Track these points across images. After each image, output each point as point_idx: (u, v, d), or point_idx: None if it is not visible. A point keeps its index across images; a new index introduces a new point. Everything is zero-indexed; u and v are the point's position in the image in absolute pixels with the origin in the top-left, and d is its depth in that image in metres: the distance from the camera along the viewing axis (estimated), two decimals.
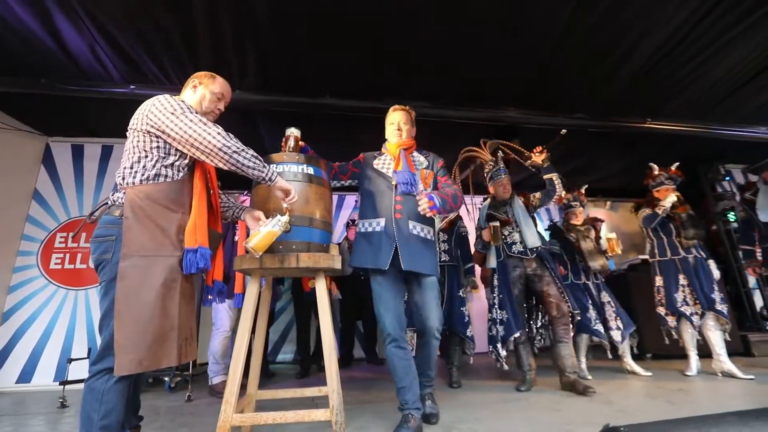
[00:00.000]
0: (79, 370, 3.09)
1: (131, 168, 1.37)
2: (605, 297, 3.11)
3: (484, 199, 3.13)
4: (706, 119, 3.77)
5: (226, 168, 1.40)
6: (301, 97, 3.10)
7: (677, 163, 3.11)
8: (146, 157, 1.37)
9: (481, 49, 2.75)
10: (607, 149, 4.46)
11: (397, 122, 2.05)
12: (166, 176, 1.40)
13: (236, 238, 2.94)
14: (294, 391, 1.98)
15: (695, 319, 2.80)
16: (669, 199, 2.90)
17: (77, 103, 3.22)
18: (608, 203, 6.11)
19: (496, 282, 2.78)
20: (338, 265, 1.74)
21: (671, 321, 2.91)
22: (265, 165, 1.45)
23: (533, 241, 2.70)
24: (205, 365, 4.09)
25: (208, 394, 2.83)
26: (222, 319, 2.90)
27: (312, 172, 1.79)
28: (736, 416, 0.74)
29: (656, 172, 3.11)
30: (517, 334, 2.59)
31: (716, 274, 2.92)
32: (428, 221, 1.96)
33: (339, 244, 4.25)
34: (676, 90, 3.32)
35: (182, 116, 1.34)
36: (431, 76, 3.03)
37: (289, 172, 1.75)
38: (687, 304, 2.84)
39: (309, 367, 3.75)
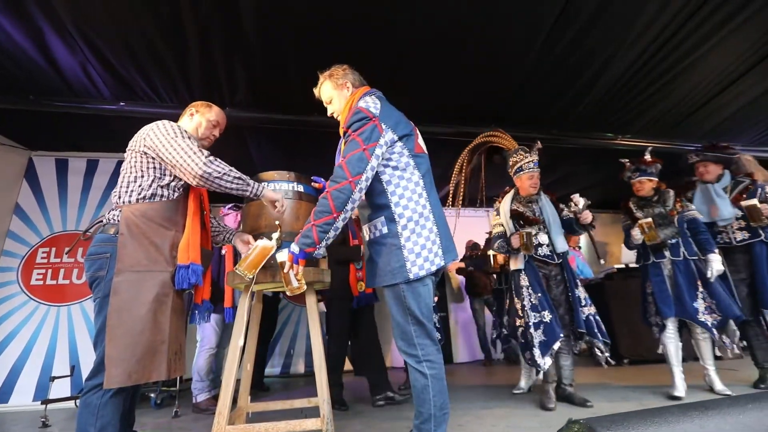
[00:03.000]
0: (62, 388, 3.04)
1: (127, 187, 1.42)
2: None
3: (502, 194, 2.87)
4: (671, 136, 4.03)
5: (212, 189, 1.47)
6: (289, 115, 3.19)
7: (650, 148, 2.90)
8: (143, 176, 1.43)
9: (461, 70, 2.91)
10: (582, 164, 4.68)
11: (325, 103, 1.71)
12: (161, 196, 1.46)
13: (223, 251, 2.97)
14: (283, 402, 2.02)
15: (657, 330, 2.57)
16: (634, 232, 2.60)
17: (63, 118, 3.22)
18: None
19: (523, 283, 2.52)
20: (328, 279, 1.82)
21: (654, 332, 2.65)
22: (249, 183, 1.49)
23: (562, 245, 2.52)
24: (191, 381, 4.05)
25: (192, 411, 2.81)
26: (208, 335, 2.90)
27: (302, 189, 1.88)
28: (698, 408, 0.84)
29: (626, 167, 2.84)
30: (562, 336, 2.34)
31: (716, 269, 2.46)
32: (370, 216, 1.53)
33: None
34: (643, 109, 3.56)
35: (173, 140, 1.42)
36: (415, 95, 3.17)
37: (280, 190, 1.83)
38: (659, 315, 2.57)
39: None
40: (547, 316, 2.37)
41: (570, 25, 2.52)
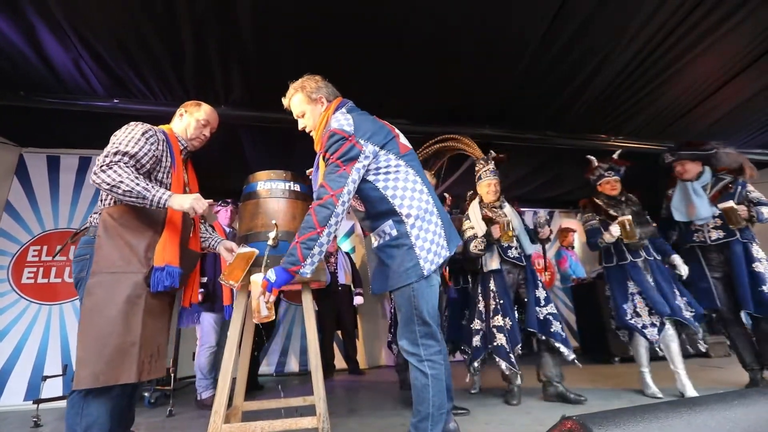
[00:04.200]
0: (54, 388, 3.02)
1: None
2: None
3: (470, 197, 2.98)
4: (664, 137, 4.09)
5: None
6: (285, 114, 3.17)
7: (619, 151, 2.90)
8: None
9: (456, 71, 2.92)
10: (574, 164, 4.72)
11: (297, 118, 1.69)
12: None
13: None
14: (279, 401, 2.03)
15: (649, 332, 2.43)
16: (614, 229, 2.55)
17: (54, 115, 3.18)
18: (578, 214, 6.42)
19: (493, 287, 2.60)
20: (324, 278, 1.83)
21: (622, 335, 2.68)
22: (145, 197, 1.34)
23: (529, 247, 2.64)
24: (185, 379, 4.04)
25: (196, 408, 2.84)
26: (208, 333, 2.91)
27: (299, 189, 1.89)
28: (686, 404, 0.86)
29: (595, 165, 2.84)
30: (519, 344, 2.46)
31: (683, 270, 2.61)
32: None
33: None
34: (636, 110, 3.60)
35: (111, 147, 1.37)
36: (411, 95, 3.18)
37: (277, 189, 1.83)
38: (638, 316, 2.50)
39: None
40: (508, 322, 2.49)
41: (564, 27, 2.54)
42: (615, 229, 2.54)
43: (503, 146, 3.81)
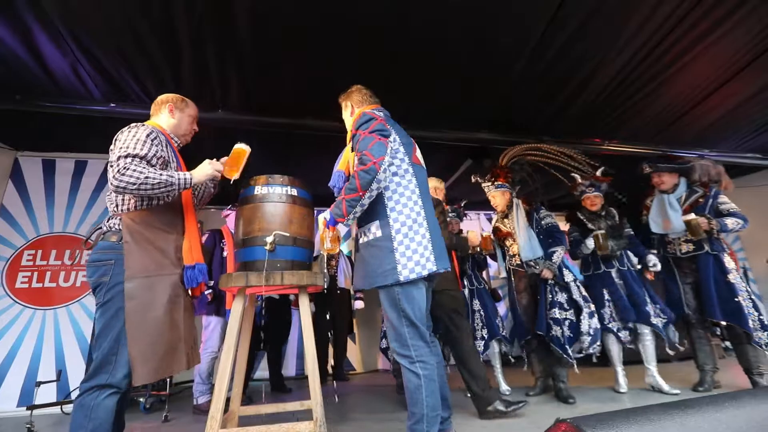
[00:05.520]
0: (48, 394, 2.99)
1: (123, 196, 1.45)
2: (476, 305, 3.06)
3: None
4: (657, 142, 4.13)
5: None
6: (282, 118, 3.20)
7: (602, 168, 3.08)
8: None
9: (453, 77, 2.95)
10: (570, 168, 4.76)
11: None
12: (158, 200, 1.50)
13: (224, 254, 2.97)
14: (276, 405, 2.02)
15: (623, 334, 2.70)
16: (588, 242, 2.84)
17: (50, 119, 3.17)
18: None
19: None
20: (321, 282, 1.83)
21: None
22: (172, 183, 1.43)
23: (526, 254, 2.74)
24: (181, 384, 4.02)
25: (192, 413, 2.82)
26: (212, 338, 2.91)
27: (296, 193, 1.89)
28: (679, 406, 0.88)
29: (578, 182, 3.07)
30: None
31: (657, 266, 2.78)
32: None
33: (317, 258, 4.30)
34: (629, 116, 3.64)
35: (120, 151, 1.40)
36: (408, 100, 3.20)
37: (274, 194, 1.84)
38: (614, 320, 2.74)
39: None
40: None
41: (558, 33, 2.57)
42: (590, 242, 2.85)
43: (500, 151, 3.85)
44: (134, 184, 1.35)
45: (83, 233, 3.64)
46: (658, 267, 2.79)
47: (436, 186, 2.74)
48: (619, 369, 2.78)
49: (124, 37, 2.39)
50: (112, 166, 1.38)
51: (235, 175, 1.70)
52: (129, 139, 1.43)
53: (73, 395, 3.11)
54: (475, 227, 5.76)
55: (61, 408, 3.00)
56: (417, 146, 1.72)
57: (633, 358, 2.88)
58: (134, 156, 1.39)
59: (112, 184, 1.36)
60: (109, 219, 1.48)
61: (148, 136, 1.47)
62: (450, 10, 2.35)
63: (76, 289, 3.49)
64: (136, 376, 1.31)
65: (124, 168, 1.35)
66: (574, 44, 2.69)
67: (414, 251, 1.44)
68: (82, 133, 3.44)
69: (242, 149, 1.75)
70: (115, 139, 1.46)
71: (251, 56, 2.62)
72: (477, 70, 2.89)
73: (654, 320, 2.64)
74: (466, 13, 2.38)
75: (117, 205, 1.45)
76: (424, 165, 1.70)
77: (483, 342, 2.87)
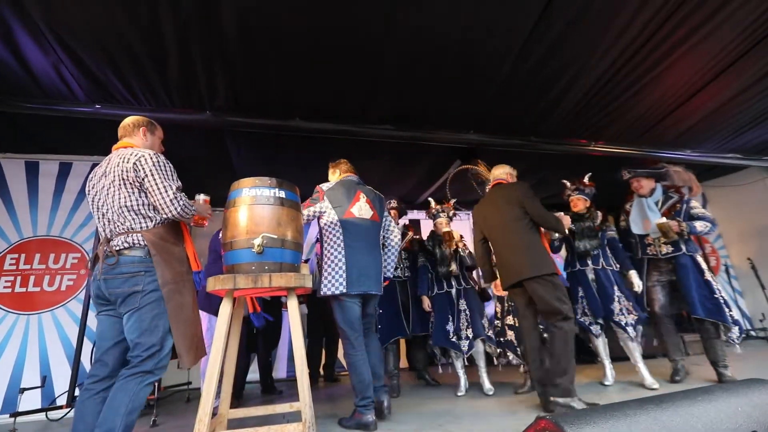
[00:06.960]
0: (32, 400, 2.93)
1: (138, 214, 1.66)
2: (462, 305, 3.09)
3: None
4: (641, 143, 4.22)
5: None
6: (270, 119, 3.19)
7: (589, 174, 3.24)
8: (147, 205, 1.69)
9: (440, 79, 2.97)
10: (556, 169, 4.83)
11: None
12: (167, 218, 1.73)
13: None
14: (265, 408, 2.02)
15: (594, 329, 2.87)
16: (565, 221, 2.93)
17: (33, 120, 3.12)
18: None
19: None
20: (309, 284, 1.84)
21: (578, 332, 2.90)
22: (193, 206, 1.77)
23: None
24: (170, 388, 3.97)
25: (181, 417, 2.78)
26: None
27: (284, 196, 1.89)
28: (654, 401, 0.91)
29: (567, 186, 3.26)
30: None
31: (637, 287, 2.92)
32: None
33: (308, 261, 4.29)
34: (614, 117, 3.71)
35: (166, 181, 1.68)
36: (396, 102, 3.22)
37: (262, 196, 1.84)
38: (586, 315, 2.92)
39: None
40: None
41: (544, 38, 2.61)
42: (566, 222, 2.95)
43: (488, 151, 3.89)
44: (188, 213, 1.71)
45: (68, 236, 3.58)
46: (638, 288, 2.94)
47: (509, 172, 2.81)
48: (607, 362, 2.91)
49: (108, 37, 2.36)
50: (160, 192, 1.63)
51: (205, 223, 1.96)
52: (168, 171, 1.70)
53: (59, 401, 3.06)
54: (465, 227, 5.81)
55: (46, 415, 2.95)
56: (361, 201, 2.40)
57: (622, 354, 2.98)
58: (178, 188, 1.69)
59: (171, 211, 1.64)
60: (128, 234, 1.64)
61: (171, 166, 1.76)
62: (437, 16, 2.38)
63: (60, 294, 3.43)
64: (183, 361, 1.59)
65: (179, 200, 1.66)
66: (558, 49, 2.73)
67: (332, 276, 2.20)
68: (67, 135, 3.38)
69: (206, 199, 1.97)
70: (139, 162, 1.65)
71: (238, 56, 2.60)
72: (465, 72, 2.92)
73: (617, 317, 2.79)
74: (452, 18, 2.40)
75: (138, 223, 1.65)
76: (360, 216, 2.36)
77: (468, 342, 2.90)
